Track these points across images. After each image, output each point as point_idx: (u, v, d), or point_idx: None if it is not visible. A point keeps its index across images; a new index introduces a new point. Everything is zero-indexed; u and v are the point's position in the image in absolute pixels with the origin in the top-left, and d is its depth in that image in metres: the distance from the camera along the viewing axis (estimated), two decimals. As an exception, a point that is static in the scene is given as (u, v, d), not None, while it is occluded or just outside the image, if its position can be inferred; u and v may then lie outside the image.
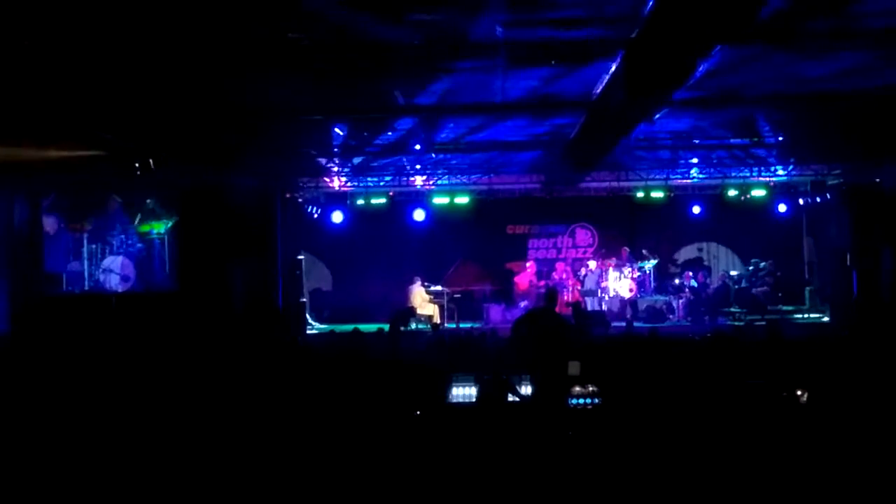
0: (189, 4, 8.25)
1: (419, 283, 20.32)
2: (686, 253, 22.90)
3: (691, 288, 20.73)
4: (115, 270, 17.92)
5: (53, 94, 10.30)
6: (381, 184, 20.16)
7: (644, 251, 21.51)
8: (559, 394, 8.91)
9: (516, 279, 21.29)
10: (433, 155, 17.54)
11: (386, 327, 15.17)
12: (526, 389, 8.55)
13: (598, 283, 20.91)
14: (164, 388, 8.42)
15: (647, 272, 21.39)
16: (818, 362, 9.13)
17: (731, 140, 17.07)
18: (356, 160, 18.51)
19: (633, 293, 20.70)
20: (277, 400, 7.70)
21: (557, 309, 19.55)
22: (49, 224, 17.08)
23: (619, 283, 20.76)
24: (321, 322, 21.28)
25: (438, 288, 20.54)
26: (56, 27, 8.55)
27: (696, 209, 21.07)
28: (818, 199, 20.09)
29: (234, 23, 8.87)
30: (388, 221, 21.39)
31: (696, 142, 17.18)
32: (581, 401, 7.93)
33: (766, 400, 7.57)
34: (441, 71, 11.02)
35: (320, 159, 18.26)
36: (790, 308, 21.15)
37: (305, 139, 15.65)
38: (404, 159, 18.31)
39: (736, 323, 18.88)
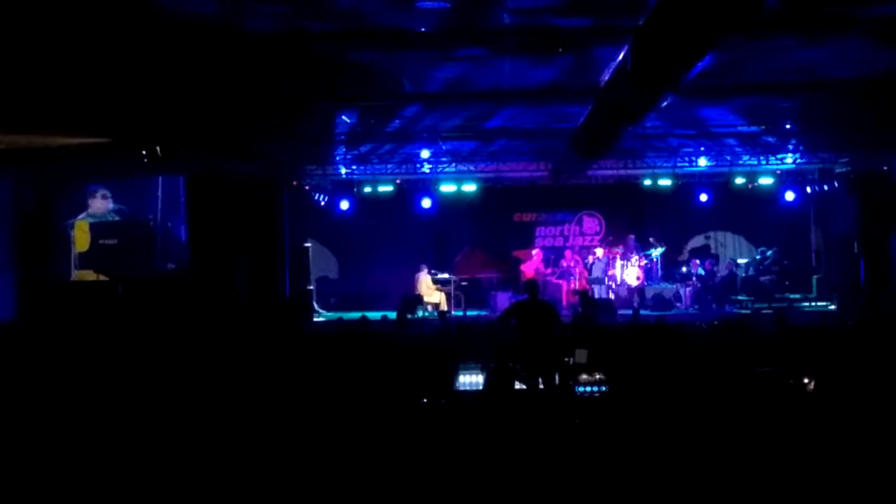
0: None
1: (426, 270, 20.31)
2: (693, 241, 22.87)
3: (698, 276, 20.70)
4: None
5: (61, 81, 10.31)
6: (388, 171, 20.12)
7: (651, 239, 21.45)
8: (555, 382, 8.94)
9: (523, 267, 21.22)
10: (441, 143, 17.54)
11: (393, 315, 15.16)
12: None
13: (605, 271, 20.87)
14: (171, 374, 8.45)
15: (655, 260, 21.34)
16: (825, 350, 9.12)
17: (739, 128, 17.02)
18: (363, 148, 18.48)
19: (640, 281, 20.67)
20: (284, 387, 7.71)
21: (564, 297, 19.88)
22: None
23: (627, 272, 20.73)
24: (328, 310, 21.29)
25: (445, 276, 20.50)
26: (63, 15, 8.56)
27: (704, 197, 20.89)
28: (826, 188, 20.03)
29: (244, 10, 8.87)
30: (395, 209, 21.36)
31: (704, 130, 17.13)
32: (588, 388, 7.95)
33: (772, 388, 7.56)
34: (448, 58, 11.02)
35: (327, 147, 18.25)
36: (797, 296, 21.06)
37: (312, 126, 15.64)
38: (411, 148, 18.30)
39: (743, 311, 18.85)
